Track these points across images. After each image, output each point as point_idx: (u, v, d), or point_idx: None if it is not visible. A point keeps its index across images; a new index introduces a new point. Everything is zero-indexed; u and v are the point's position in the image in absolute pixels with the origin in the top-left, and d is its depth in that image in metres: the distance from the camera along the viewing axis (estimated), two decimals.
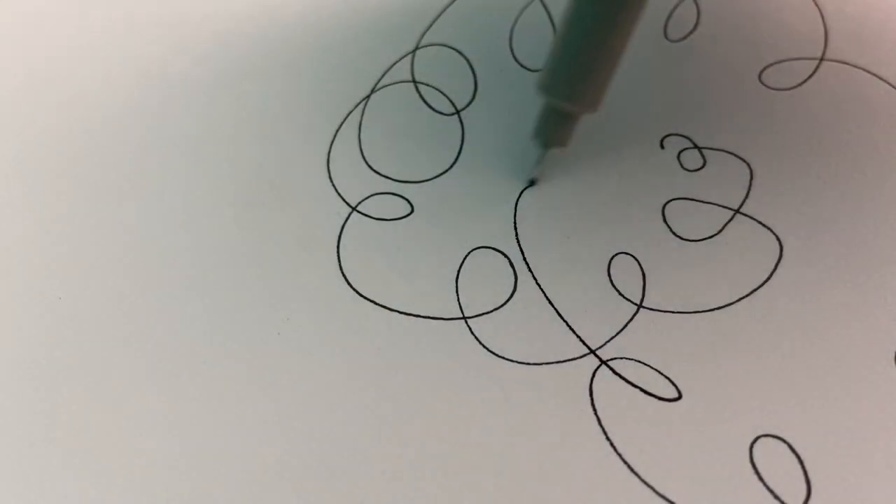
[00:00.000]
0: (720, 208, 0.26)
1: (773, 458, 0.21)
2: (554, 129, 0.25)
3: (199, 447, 0.22)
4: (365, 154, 0.28)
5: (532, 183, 0.27)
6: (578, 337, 0.24)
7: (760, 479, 0.21)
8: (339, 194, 0.27)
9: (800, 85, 0.28)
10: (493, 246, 0.26)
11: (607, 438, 0.22)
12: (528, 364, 0.23)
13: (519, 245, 0.26)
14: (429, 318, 0.24)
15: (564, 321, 0.24)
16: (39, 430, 0.23)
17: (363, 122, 0.29)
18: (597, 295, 0.24)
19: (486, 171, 0.27)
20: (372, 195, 0.27)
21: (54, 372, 0.24)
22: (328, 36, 0.31)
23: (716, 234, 0.25)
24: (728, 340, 0.23)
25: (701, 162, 0.27)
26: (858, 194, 0.26)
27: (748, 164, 0.27)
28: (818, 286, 0.24)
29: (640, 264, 0.25)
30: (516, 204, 0.26)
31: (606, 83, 0.23)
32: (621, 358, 0.23)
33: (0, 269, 0.26)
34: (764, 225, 0.25)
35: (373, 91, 0.29)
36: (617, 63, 0.23)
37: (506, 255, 0.25)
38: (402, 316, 0.24)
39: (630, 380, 0.23)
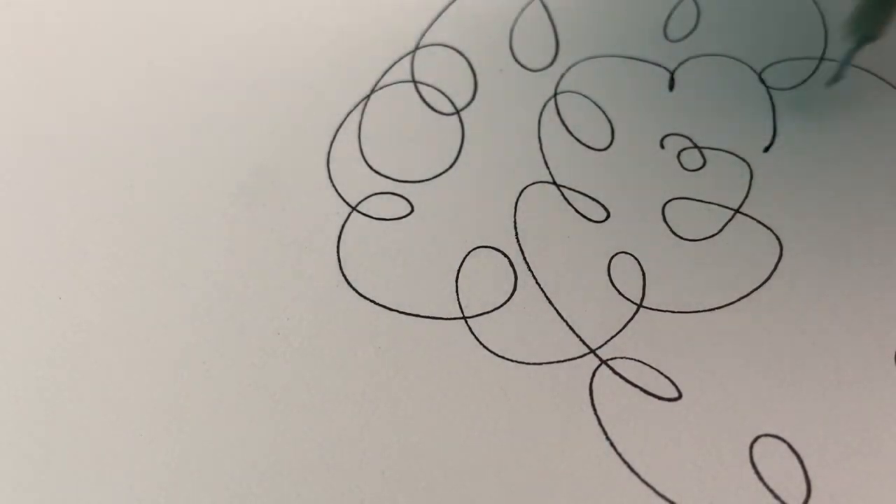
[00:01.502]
0: (720, 208, 0.26)
1: (773, 458, 0.21)
2: (872, 20, 0.26)
3: (198, 447, 0.22)
4: (365, 154, 0.28)
5: (837, 80, 0.27)
6: (578, 337, 0.24)
7: (760, 479, 0.21)
8: (339, 194, 0.27)
9: (800, 85, 0.28)
10: (493, 246, 0.26)
11: (607, 438, 0.22)
12: (528, 364, 0.23)
13: (519, 245, 0.26)
14: (429, 318, 0.24)
15: (564, 321, 0.24)
16: (39, 431, 0.23)
17: (363, 122, 0.29)
18: (597, 295, 0.24)
19: (486, 171, 0.27)
20: (372, 195, 0.27)
21: (54, 372, 0.24)
22: (328, 36, 0.31)
23: (716, 234, 0.25)
24: (728, 340, 0.23)
25: (701, 162, 0.27)
26: (858, 194, 0.26)
27: (748, 164, 0.27)
28: (818, 286, 0.24)
29: (640, 264, 0.25)
30: (516, 204, 0.26)
31: None
32: (621, 358, 0.23)
33: (0, 269, 0.26)
34: (764, 225, 0.25)
35: (373, 91, 0.29)
36: None
37: (506, 255, 0.25)
38: (402, 316, 0.24)
39: (630, 379, 0.23)
